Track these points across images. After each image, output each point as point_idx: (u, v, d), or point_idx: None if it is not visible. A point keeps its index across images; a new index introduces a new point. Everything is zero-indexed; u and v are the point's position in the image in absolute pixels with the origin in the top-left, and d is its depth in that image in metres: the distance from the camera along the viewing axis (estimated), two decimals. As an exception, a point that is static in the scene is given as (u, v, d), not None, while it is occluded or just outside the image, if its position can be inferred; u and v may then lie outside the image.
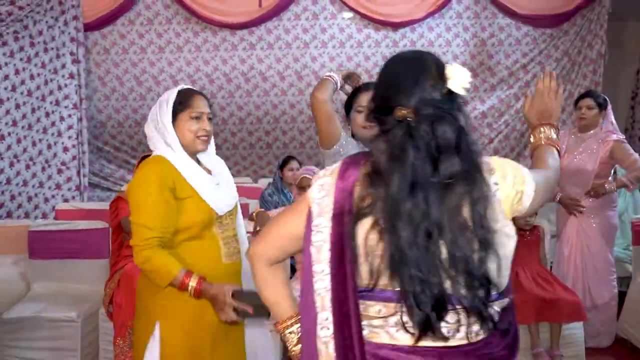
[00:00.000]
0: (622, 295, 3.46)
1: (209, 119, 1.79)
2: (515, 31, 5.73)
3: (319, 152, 6.09)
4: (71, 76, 5.27)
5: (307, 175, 3.16)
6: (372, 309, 1.05)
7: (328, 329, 1.05)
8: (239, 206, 1.92)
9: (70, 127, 5.23)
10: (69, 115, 5.24)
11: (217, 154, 1.94)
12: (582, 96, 3.44)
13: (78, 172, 5.30)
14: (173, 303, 1.65)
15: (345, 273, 1.04)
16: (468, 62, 5.76)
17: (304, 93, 5.75)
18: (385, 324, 1.04)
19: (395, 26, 5.69)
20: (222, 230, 1.78)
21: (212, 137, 1.86)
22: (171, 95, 1.74)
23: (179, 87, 1.80)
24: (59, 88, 5.20)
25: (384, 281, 1.02)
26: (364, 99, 1.84)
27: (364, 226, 1.03)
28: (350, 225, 1.03)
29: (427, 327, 0.98)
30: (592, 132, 3.35)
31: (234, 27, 5.59)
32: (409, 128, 1.00)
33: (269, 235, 1.19)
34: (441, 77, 1.05)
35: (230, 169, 1.99)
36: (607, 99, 3.41)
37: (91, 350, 3.01)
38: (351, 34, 5.74)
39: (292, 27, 5.71)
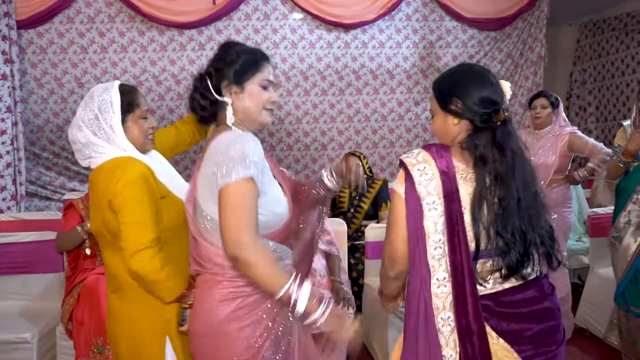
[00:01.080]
0: (575, 288, 3.62)
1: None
2: (461, 34, 5.89)
3: (289, 154, 5.96)
4: (4, 77, 4.87)
5: None
6: (475, 267, 1.42)
7: (445, 286, 1.39)
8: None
9: (3, 132, 4.83)
10: (2, 120, 4.84)
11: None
12: (536, 96, 3.60)
13: (14, 181, 4.90)
14: (177, 316, 1.52)
15: (460, 240, 1.38)
16: (417, 64, 5.87)
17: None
18: (483, 277, 1.44)
19: (347, 27, 5.69)
20: None
21: None
22: (114, 96, 1.63)
23: (116, 85, 1.68)
24: (-9, 89, 4.79)
25: (483, 243, 1.40)
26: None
27: (470, 200, 1.42)
28: (458, 202, 1.41)
29: (514, 272, 1.42)
30: (547, 129, 3.49)
31: (182, 26, 5.38)
32: (505, 126, 1.46)
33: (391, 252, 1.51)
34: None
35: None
36: (559, 97, 3.58)
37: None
38: (303, 35, 5.68)
39: (242, 27, 5.58)
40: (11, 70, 4.92)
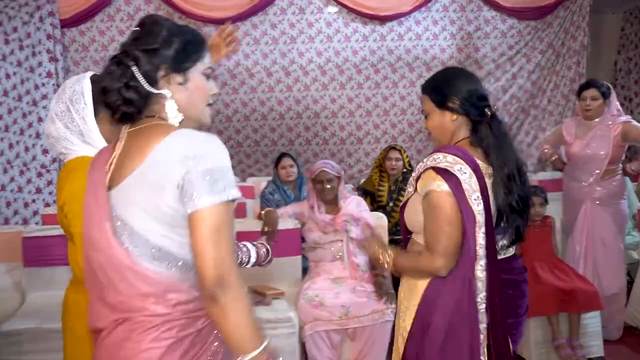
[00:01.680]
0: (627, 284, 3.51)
1: None
2: (500, 24, 5.75)
3: (325, 148, 5.97)
4: (49, 75, 5.01)
5: (326, 169, 3.08)
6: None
7: (484, 271, 1.59)
8: None
9: (49, 129, 4.97)
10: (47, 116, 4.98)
11: None
12: (585, 87, 3.44)
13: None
14: None
15: (492, 230, 1.60)
16: (455, 56, 5.77)
17: (292, 89, 5.65)
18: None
19: (383, 20, 5.63)
20: None
21: None
22: (85, 87, 1.50)
23: (88, 75, 1.54)
24: (36, 87, 4.94)
25: (499, 221, 1.65)
26: None
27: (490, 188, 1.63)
28: (488, 195, 1.60)
29: (516, 241, 1.71)
30: (598, 119, 3.36)
31: (219, 22, 5.42)
32: (496, 118, 1.68)
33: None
34: None
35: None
36: (610, 86, 3.43)
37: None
38: (338, 28, 5.66)
39: (278, 22, 5.59)
40: (55, 69, 5.06)
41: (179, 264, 1.13)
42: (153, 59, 1.13)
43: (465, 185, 1.56)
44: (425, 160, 1.64)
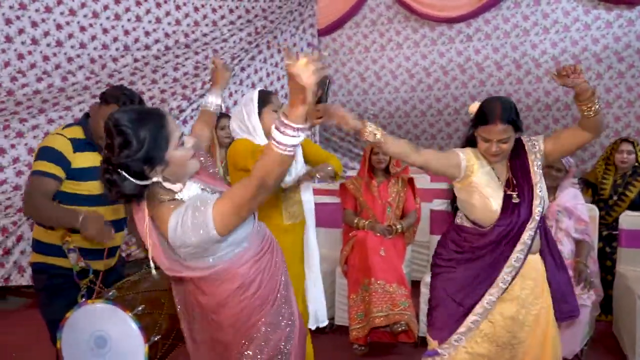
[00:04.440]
0: None
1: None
2: None
3: None
4: (306, 76, 6.09)
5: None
6: None
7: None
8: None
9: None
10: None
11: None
12: None
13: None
14: None
15: None
16: None
17: (522, 82, 5.66)
18: None
19: (633, 3, 5.19)
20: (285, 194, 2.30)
21: None
22: (254, 96, 2.24)
23: (257, 90, 2.30)
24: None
25: None
26: None
27: None
28: None
29: None
30: None
31: (451, 21, 5.79)
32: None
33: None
34: None
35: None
36: None
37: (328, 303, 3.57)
38: (577, 17, 5.44)
39: (511, 16, 5.66)
40: (312, 71, 6.12)
41: None
42: (135, 163, 1.31)
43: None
44: None
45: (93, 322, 1.78)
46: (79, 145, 1.98)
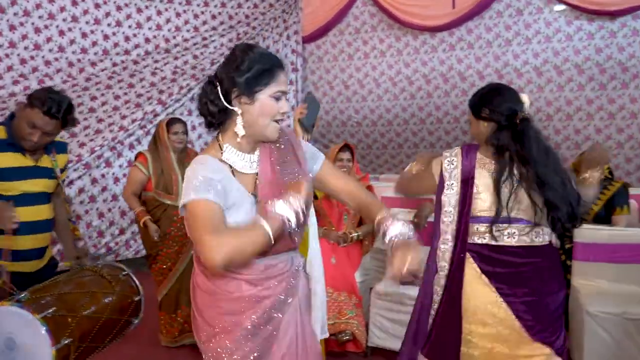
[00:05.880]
0: None
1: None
2: None
3: None
4: (290, 83, 6.12)
5: None
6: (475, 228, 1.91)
7: (448, 244, 1.94)
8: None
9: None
10: (288, 117, 6.10)
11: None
12: None
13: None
14: None
15: (465, 211, 1.89)
16: None
17: (504, 92, 5.63)
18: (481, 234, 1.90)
19: (613, 15, 5.16)
20: None
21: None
22: None
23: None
24: (281, 93, 6.11)
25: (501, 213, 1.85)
26: None
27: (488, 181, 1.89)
28: (473, 186, 1.90)
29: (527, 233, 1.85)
30: None
31: (433, 29, 5.78)
32: (523, 124, 1.85)
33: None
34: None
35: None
36: None
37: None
38: (559, 28, 5.40)
39: (493, 26, 5.64)
40: (296, 77, 6.15)
41: None
42: (230, 82, 1.35)
43: (445, 174, 1.95)
44: None
45: (1, 324, 1.79)
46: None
